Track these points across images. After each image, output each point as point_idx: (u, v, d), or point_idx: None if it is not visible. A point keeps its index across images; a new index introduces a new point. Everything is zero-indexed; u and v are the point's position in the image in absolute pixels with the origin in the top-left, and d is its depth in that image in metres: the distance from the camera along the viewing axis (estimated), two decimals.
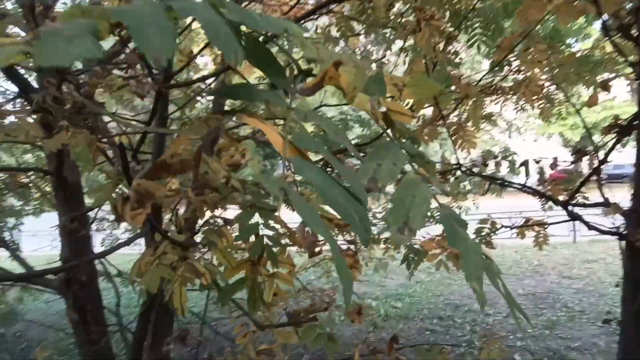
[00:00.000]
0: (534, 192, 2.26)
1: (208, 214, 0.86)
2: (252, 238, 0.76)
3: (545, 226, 2.26)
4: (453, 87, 2.52)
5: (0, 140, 1.04)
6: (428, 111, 2.72)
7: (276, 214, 0.94)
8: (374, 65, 3.31)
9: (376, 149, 0.38)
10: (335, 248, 0.28)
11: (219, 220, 0.89)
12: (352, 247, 0.91)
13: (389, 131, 0.40)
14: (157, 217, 1.72)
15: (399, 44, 2.96)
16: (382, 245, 3.63)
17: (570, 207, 2.15)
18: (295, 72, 0.41)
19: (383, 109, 0.39)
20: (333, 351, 0.98)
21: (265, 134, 0.34)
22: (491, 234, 2.18)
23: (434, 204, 0.43)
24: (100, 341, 2.65)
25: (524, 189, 2.24)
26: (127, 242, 2.31)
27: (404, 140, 0.41)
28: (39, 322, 6.33)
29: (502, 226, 2.21)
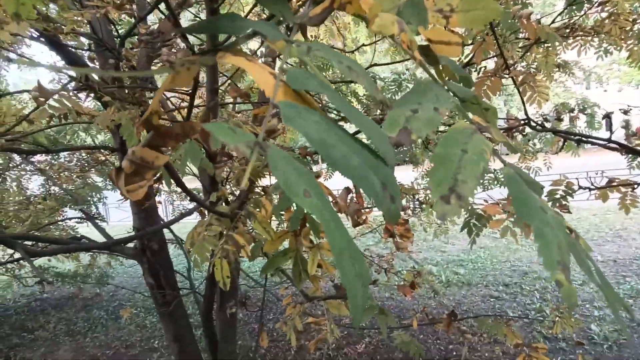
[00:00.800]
0: (621, 148, 1.96)
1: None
2: (293, 208, 0.72)
3: (635, 186, 1.96)
4: (521, 35, 2.22)
5: (50, 122, 1.10)
6: (490, 64, 2.45)
7: (319, 180, 0.88)
8: None
9: (411, 90, 0.29)
10: (331, 229, 0.21)
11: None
12: (402, 213, 0.84)
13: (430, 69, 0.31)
14: (213, 187, 1.77)
15: None
16: None
17: None
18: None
19: (422, 39, 0.30)
20: (385, 323, 0.94)
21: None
22: (567, 197, 1.94)
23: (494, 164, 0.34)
24: (172, 303, 2.89)
25: (608, 144, 1.94)
26: (189, 213, 2.44)
27: (451, 81, 0.32)
28: (125, 284, 7.17)
29: (581, 187, 1.95)
